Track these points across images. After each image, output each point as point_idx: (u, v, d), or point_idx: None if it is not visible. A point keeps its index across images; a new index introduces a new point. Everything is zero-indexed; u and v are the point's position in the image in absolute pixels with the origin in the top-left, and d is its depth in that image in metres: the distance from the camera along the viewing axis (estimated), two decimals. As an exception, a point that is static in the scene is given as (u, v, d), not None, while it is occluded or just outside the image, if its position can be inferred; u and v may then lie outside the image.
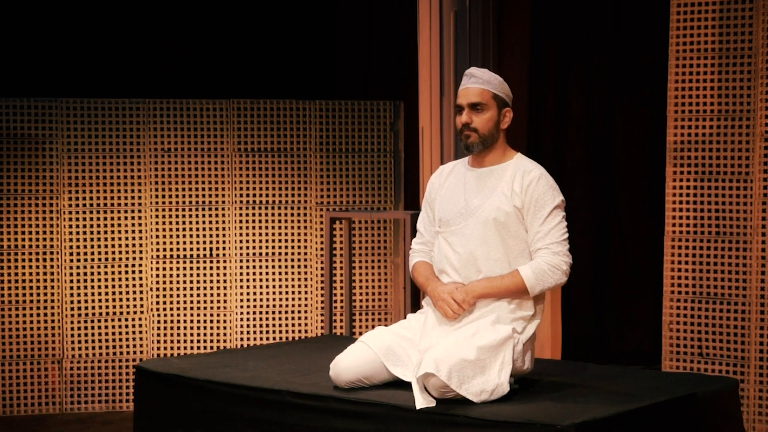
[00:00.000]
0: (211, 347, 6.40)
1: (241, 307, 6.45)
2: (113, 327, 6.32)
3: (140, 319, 6.35)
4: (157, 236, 6.36)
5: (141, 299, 6.35)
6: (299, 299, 6.49)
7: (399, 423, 3.51)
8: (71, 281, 6.28)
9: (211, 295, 6.42)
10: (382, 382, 3.79)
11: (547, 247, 3.77)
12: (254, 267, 6.45)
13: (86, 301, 6.29)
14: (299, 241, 6.50)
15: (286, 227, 6.49)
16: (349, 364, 3.76)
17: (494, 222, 3.79)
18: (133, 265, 6.35)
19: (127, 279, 6.34)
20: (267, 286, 6.47)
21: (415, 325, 3.88)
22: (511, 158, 3.90)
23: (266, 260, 6.46)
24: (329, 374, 3.81)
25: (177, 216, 6.39)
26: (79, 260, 6.29)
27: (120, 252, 6.33)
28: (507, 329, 3.69)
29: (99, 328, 6.31)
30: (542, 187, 3.80)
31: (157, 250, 6.37)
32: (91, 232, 6.30)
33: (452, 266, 3.85)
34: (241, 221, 6.45)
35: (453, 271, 3.85)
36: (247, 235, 6.45)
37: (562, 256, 3.77)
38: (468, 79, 3.87)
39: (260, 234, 6.46)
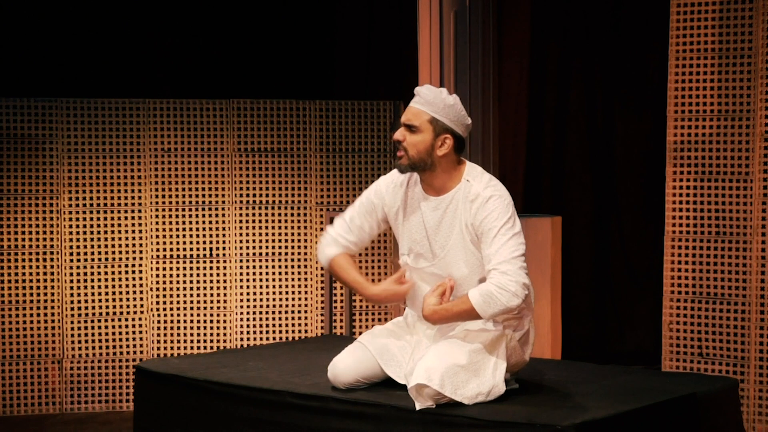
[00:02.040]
0: (211, 347, 6.40)
1: (241, 307, 6.45)
2: (113, 327, 6.32)
3: (140, 319, 6.35)
4: (157, 236, 6.36)
5: (141, 299, 6.35)
6: (299, 299, 6.49)
7: (399, 423, 3.51)
8: (71, 281, 6.28)
9: (211, 295, 6.42)
10: (381, 380, 3.79)
11: (495, 268, 3.55)
12: (254, 267, 6.45)
13: (86, 301, 6.29)
14: (299, 241, 6.49)
15: (286, 227, 6.49)
16: (347, 366, 3.76)
17: (460, 261, 3.69)
18: (133, 265, 6.35)
19: (127, 279, 6.34)
20: (267, 286, 6.47)
21: (411, 323, 3.88)
22: (459, 181, 3.70)
23: (266, 260, 6.46)
24: (328, 375, 3.81)
25: (177, 216, 6.39)
26: (79, 260, 6.29)
27: (120, 252, 6.33)
28: (498, 328, 3.67)
29: (99, 328, 6.31)
30: (487, 209, 3.60)
31: (157, 250, 6.37)
32: (91, 232, 6.30)
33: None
34: (241, 221, 6.45)
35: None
36: (247, 235, 6.45)
37: (512, 275, 3.51)
38: (414, 97, 3.70)
39: (260, 234, 6.46)
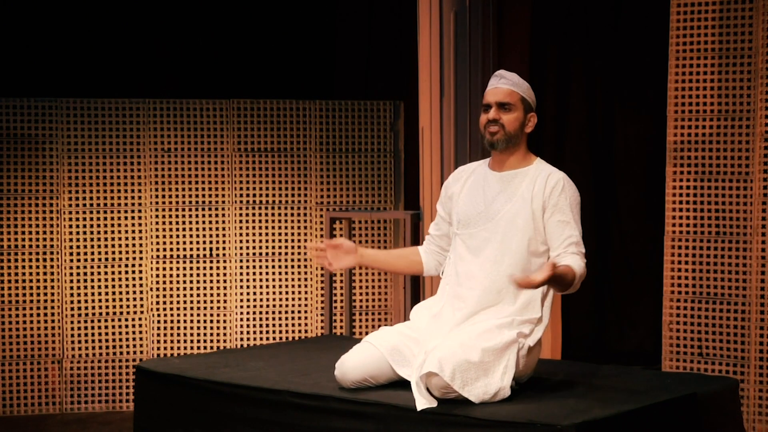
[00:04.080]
0: (211, 347, 6.41)
1: (241, 307, 6.45)
2: (113, 327, 6.32)
3: (140, 319, 6.36)
4: (157, 236, 6.37)
5: (141, 299, 6.35)
6: (299, 299, 6.49)
7: (399, 423, 3.51)
8: (71, 281, 6.28)
9: (211, 295, 6.42)
10: (388, 381, 3.78)
11: (578, 253, 3.80)
12: (254, 267, 6.45)
13: (86, 301, 6.29)
14: (299, 241, 6.50)
15: (286, 227, 6.49)
16: (356, 364, 3.76)
17: (514, 226, 3.81)
18: (133, 265, 6.35)
19: (127, 279, 6.34)
20: (267, 286, 6.47)
21: (420, 325, 3.88)
22: (532, 163, 3.92)
23: (266, 260, 6.46)
24: (334, 374, 3.80)
25: (177, 216, 6.39)
26: (79, 260, 6.29)
27: (120, 252, 6.33)
28: (512, 334, 3.69)
29: (99, 328, 6.31)
30: (568, 191, 3.83)
31: (157, 250, 6.37)
32: (91, 232, 6.30)
33: (467, 269, 3.85)
34: (241, 221, 6.45)
35: (466, 273, 3.85)
36: (247, 235, 6.45)
37: (584, 265, 3.83)
38: (498, 79, 3.91)
39: (260, 234, 6.46)
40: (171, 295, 6.38)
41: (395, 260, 4.15)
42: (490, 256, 3.82)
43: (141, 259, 6.35)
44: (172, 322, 6.39)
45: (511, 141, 3.88)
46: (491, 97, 3.89)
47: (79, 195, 6.29)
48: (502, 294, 3.78)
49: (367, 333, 6.44)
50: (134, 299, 6.35)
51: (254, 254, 6.46)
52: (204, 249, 6.41)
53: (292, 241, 6.49)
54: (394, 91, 7.03)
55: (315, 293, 6.51)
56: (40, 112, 6.26)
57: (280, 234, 6.48)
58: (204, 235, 6.41)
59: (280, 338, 6.47)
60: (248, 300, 6.45)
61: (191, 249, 6.40)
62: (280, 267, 6.48)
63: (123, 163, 6.34)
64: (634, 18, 6.87)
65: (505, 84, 3.89)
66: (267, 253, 6.47)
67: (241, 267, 6.45)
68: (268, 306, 6.47)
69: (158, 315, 6.38)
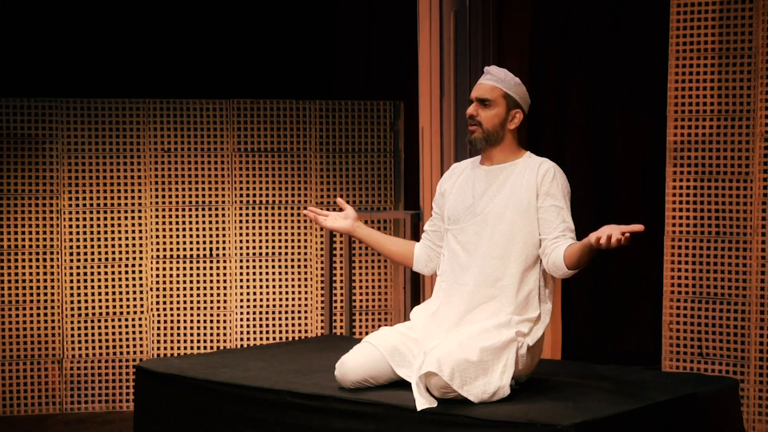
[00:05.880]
0: (211, 347, 6.41)
1: (241, 307, 6.45)
2: (113, 327, 6.32)
3: (140, 319, 6.36)
4: (157, 236, 6.36)
5: (141, 299, 6.35)
6: (299, 299, 6.49)
7: (399, 423, 3.51)
8: (71, 281, 6.28)
9: (211, 295, 6.42)
10: (388, 381, 3.79)
11: (572, 238, 3.80)
12: (254, 267, 6.45)
13: (86, 301, 6.29)
14: (299, 241, 6.50)
15: (286, 227, 6.49)
16: (356, 364, 3.76)
17: (503, 219, 3.80)
18: (133, 265, 6.35)
19: (127, 279, 6.34)
20: (267, 286, 6.47)
21: (419, 325, 3.88)
22: (521, 156, 3.92)
23: (266, 260, 6.46)
24: (335, 374, 3.80)
25: (177, 216, 6.39)
26: (79, 260, 6.29)
27: (120, 252, 6.33)
28: (510, 333, 3.68)
29: (99, 328, 6.31)
30: (559, 179, 3.83)
31: (157, 250, 6.37)
32: (91, 232, 6.30)
33: (460, 263, 3.86)
34: (241, 221, 6.45)
35: (460, 267, 3.85)
36: (247, 235, 6.45)
37: None
38: (484, 75, 3.91)
39: (260, 234, 6.46)
40: (171, 295, 6.38)
41: (390, 245, 4.17)
42: (482, 250, 3.81)
43: (141, 259, 6.35)
44: (172, 322, 6.39)
45: (491, 138, 3.88)
46: (473, 93, 3.90)
47: (79, 195, 6.29)
48: (498, 288, 3.78)
49: (367, 333, 6.45)
50: (134, 299, 6.35)
51: (254, 254, 6.46)
52: (204, 249, 6.41)
53: (292, 241, 6.49)
54: (394, 91, 7.03)
55: (315, 293, 6.51)
56: (40, 112, 6.26)
57: (280, 234, 6.48)
58: (204, 235, 6.41)
59: (280, 338, 6.47)
60: (248, 300, 6.45)
61: (191, 249, 6.40)
62: (280, 267, 6.48)
63: (123, 163, 6.34)
64: (634, 18, 6.87)
65: (489, 80, 3.88)
66: (267, 253, 6.47)
67: (241, 267, 6.45)
68: (268, 306, 6.47)
69: (158, 315, 6.38)
